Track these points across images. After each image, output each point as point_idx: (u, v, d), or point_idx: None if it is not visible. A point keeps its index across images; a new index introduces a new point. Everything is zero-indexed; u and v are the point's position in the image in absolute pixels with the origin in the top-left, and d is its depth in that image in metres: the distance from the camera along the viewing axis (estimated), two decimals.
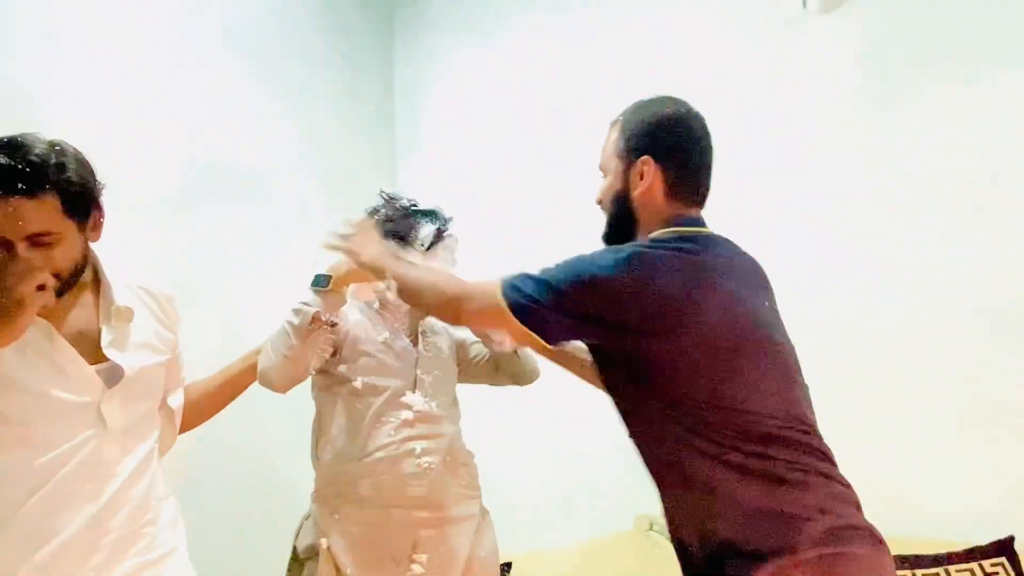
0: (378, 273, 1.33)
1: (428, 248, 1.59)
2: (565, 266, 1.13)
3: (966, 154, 1.92)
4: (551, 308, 1.10)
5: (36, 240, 1.12)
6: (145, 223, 2.00)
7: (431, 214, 1.64)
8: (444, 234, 1.62)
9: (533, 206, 2.61)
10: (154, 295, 1.36)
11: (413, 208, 1.64)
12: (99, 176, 1.21)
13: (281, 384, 1.52)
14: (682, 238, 1.16)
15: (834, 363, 1.97)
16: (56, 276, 1.15)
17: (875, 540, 1.05)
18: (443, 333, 1.74)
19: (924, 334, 1.93)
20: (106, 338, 1.23)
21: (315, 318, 1.45)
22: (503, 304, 1.11)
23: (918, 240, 1.97)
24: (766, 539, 1.01)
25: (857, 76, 2.09)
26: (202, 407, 1.57)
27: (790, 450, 1.06)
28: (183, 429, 1.50)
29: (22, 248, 1.11)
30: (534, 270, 1.15)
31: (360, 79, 2.94)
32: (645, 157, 1.21)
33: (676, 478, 1.12)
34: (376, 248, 1.37)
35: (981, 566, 1.62)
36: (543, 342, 1.11)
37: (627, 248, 1.12)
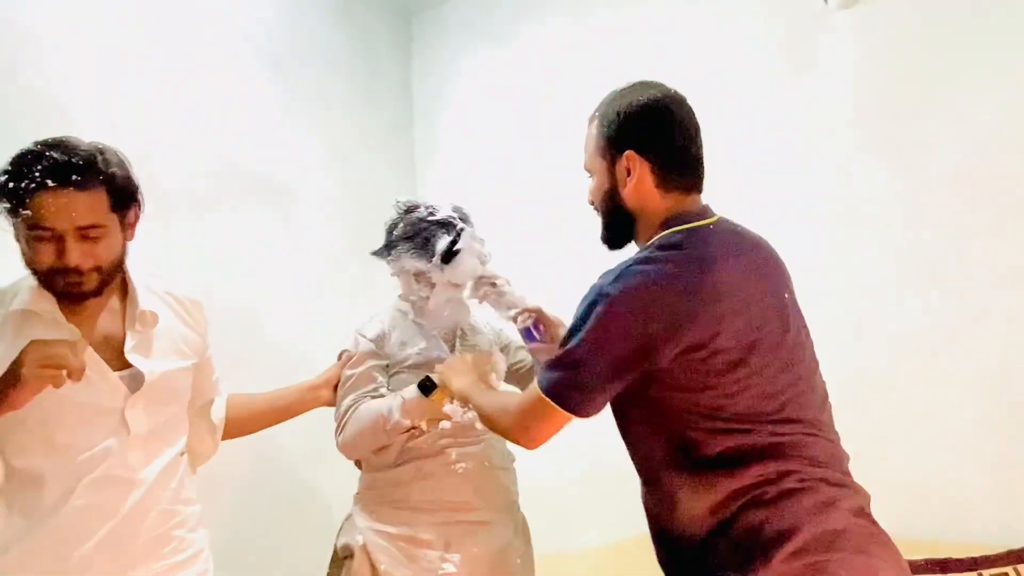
0: (464, 400, 1.41)
1: (446, 261, 1.57)
2: (575, 337, 1.08)
3: (993, 151, 1.88)
4: (586, 380, 1.08)
5: (85, 233, 1.16)
6: (164, 228, 2.02)
7: (446, 225, 1.60)
8: (459, 245, 1.57)
9: (552, 210, 2.60)
10: (181, 300, 1.39)
11: (429, 219, 1.61)
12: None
13: (357, 458, 1.67)
14: (676, 246, 1.09)
15: (865, 366, 1.94)
16: (98, 270, 1.19)
17: (867, 543, 1.01)
18: (484, 333, 1.75)
19: (952, 334, 1.89)
20: (130, 343, 1.26)
21: (409, 428, 1.54)
22: (547, 399, 1.09)
23: (943, 239, 1.93)
24: (748, 553, 1.00)
25: (883, 69, 2.06)
26: (247, 424, 1.60)
27: (783, 460, 1.03)
28: (225, 437, 1.53)
29: (71, 240, 1.15)
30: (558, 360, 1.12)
31: (379, 84, 2.95)
32: (628, 152, 1.16)
33: (663, 490, 1.10)
34: (465, 380, 1.42)
35: (1016, 570, 1.58)
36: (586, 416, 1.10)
37: (615, 288, 1.06)
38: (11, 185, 1.12)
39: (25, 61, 1.81)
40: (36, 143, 1.16)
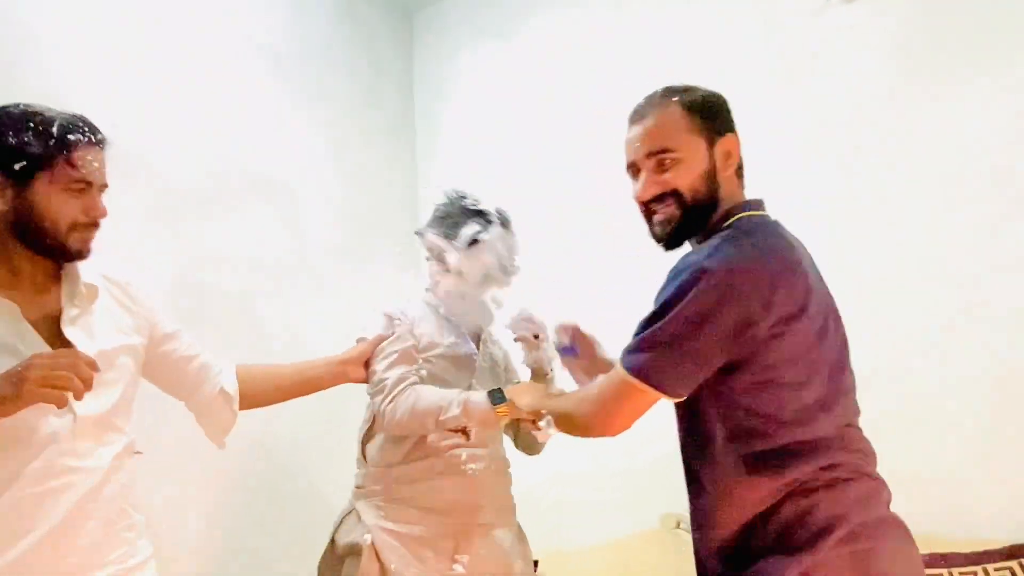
0: (535, 413, 1.42)
1: (468, 247, 1.59)
2: (668, 315, 1.05)
3: (1002, 146, 1.89)
4: (683, 357, 1.05)
5: (103, 189, 1.23)
6: (164, 227, 2.02)
7: (480, 215, 1.62)
8: (482, 235, 1.59)
9: (554, 209, 2.60)
10: (115, 282, 1.34)
11: (469, 207, 1.63)
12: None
13: (395, 432, 1.58)
14: (757, 229, 1.12)
15: (867, 361, 1.95)
16: (96, 225, 1.23)
17: (904, 533, 1.08)
18: (499, 344, 1.77)
19: (954, 332, 1.91)
20: (67, 316, 1.21)
21: (462, 430, 1.53)
22: (635, 380, 1.06)
23: (944, 238, 1.94)
24: (796, 537, 1.03)
25: (885, 66, 2.07)
26: (270, 395, 1.59)
27: (837, 452, 1.07)
28: (245, 407, 1.50)
29: (96, 193, 1.21)
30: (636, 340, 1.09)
31: (380, 82, 2.95)
32: (730, 135, 1.20)
33: (715, 478, 1.12)
34: (531, 395, 1.44)
35: (1021, 564, 1.60)
36: (676, 398, 1.08)
37: (715, 263, 1.03)
38: (69, 137, 1.16)
39: (25, 61, 1.80)
40: (39, 107, 1.18)
